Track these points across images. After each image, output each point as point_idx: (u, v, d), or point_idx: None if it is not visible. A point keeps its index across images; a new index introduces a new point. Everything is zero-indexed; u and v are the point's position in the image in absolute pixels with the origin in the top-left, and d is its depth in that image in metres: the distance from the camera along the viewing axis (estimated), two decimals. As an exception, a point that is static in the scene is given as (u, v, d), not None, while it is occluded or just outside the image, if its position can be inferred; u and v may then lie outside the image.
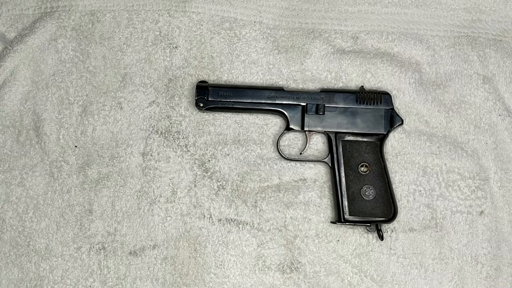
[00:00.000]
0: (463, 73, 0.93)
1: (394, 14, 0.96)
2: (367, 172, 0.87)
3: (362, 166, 0.87)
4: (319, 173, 0.90)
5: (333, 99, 0.89)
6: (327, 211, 0.89)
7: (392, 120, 0.89)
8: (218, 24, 0.95)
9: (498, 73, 0.93)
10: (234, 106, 0.89)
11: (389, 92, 0.90)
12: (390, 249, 0.88)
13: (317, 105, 0.89)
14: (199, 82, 0.90)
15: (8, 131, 0.92)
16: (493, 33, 0.95)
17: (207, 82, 0.90)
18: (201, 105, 0.89)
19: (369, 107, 0.89)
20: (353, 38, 0.95)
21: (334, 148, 0.88)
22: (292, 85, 0.93)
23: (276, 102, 0.89)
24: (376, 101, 0.89)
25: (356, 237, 0.88)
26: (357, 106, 0.89)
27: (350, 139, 0.88)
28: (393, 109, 0.89)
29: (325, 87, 0.91)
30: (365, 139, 0.88)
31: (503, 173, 0.90)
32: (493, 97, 0.92)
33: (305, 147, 0.90)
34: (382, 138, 0.88)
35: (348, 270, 0.88)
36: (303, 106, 0.89)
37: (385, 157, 0.89)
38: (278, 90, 0.90)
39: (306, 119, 0.89)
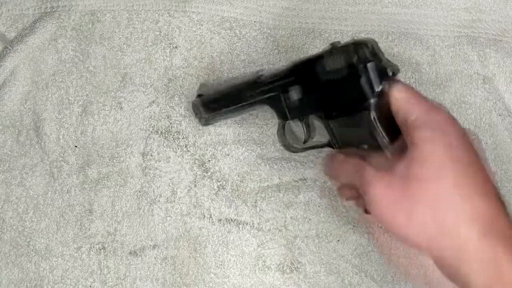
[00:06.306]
0: (463, 73, 0.93)
1: (394, 14, 0.96)
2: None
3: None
4: (319, 173, 0.90)
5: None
6: (328, 211, 0.89)
7: None
8: (218, 24, 0.95)
9: (498, 73, 0.93)
10: (226, 116, 0.86)
11: None
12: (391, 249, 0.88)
13: (292, 89, 0.76)
14: (195, 97, 0.87)
15: (8, 131, 0.92)
16: (493, 33, 0.95)
17: (203, 95, 0.86)
18: (203, 122, 0.88)
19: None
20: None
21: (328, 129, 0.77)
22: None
23: (256, 100, 0.80)
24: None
25: (357, 237, 0.88)
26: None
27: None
28: None
29: (295, 60, 0.77)
30: None
31: (503, 173, 0.90)
32: (493, 97, 0.92)
33: (304, 135, 0.82)
34: None
35: (349, 270, 0.88)
36: (279, 95, 0.77)
37: (385, 157, 0.89)
38: (253, 85, 0.80)
39: (287, 108, 0.78)
